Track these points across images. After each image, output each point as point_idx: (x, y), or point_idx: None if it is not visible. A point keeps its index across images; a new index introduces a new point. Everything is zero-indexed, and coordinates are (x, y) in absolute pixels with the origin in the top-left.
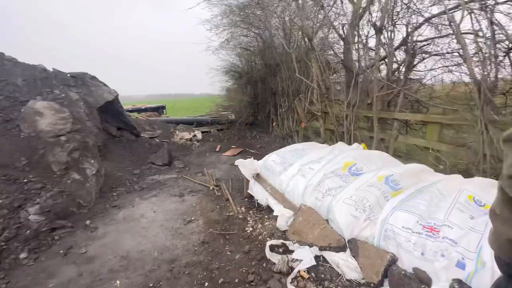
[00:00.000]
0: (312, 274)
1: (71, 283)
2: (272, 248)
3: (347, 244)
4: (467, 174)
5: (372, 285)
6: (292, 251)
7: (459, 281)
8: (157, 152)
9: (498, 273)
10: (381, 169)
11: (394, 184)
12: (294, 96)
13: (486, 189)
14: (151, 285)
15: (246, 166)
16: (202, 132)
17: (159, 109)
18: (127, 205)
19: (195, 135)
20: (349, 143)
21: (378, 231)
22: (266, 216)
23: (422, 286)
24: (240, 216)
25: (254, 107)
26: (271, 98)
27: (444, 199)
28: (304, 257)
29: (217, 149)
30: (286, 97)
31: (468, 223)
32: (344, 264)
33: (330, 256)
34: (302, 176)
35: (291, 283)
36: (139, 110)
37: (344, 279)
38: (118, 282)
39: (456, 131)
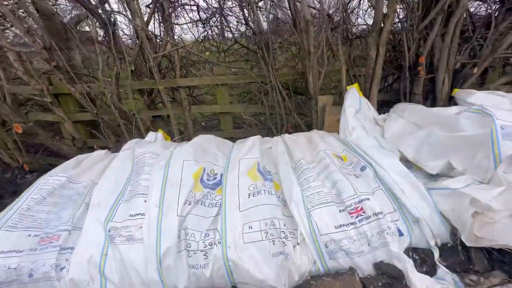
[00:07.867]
0: None
1: None
2: None
3: None
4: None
5: None
6: None
7: (412, 249)
8: None
9: None
10: (240, 160)
11: (267, 174)
12: None
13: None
14: None
15: None
16: None
17: None
18: None
19: None
20: (132, 136)
21: (316, 253)
22: None
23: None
24: None
25: None
26: None
27: (329, 166)
28: None
29: None
30: None
31: (371, 186)
32: None
33: None
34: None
35: None
36: None
37: None
38: None
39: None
